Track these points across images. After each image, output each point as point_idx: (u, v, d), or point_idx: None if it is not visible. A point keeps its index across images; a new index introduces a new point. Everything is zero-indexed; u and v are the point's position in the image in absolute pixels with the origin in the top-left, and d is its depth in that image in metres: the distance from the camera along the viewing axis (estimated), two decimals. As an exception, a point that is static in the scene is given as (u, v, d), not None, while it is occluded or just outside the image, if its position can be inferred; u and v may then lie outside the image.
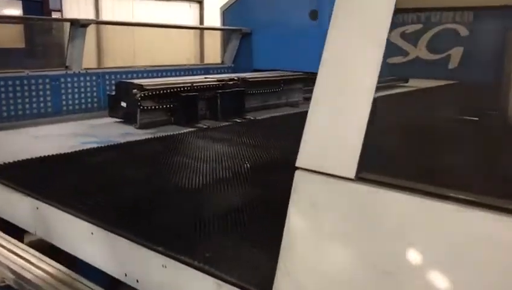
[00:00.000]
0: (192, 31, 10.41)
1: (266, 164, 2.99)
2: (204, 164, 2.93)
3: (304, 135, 1.28)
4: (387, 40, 1.20)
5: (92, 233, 2.08)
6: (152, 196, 2.33)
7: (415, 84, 7.78)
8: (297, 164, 1.29)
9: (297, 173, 1.29)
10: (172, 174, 2.70)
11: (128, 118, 4.14)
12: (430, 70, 4.68)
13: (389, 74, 5.18)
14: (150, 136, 3.75)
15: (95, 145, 3.33)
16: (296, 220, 1.29)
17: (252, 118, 4.62)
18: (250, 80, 4.88)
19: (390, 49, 5.01)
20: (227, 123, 4.35)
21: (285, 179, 2.60)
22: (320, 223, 1.26)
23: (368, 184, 1.17)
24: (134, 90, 4.00)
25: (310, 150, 1.27)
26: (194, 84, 4.33)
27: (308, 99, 5.95)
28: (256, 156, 3.13)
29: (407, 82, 8.09)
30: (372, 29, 1.22)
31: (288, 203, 2.06)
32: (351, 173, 1.19)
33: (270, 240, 1.82)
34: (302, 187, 1.28)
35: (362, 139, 1.18)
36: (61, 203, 2.24)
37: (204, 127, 4.13)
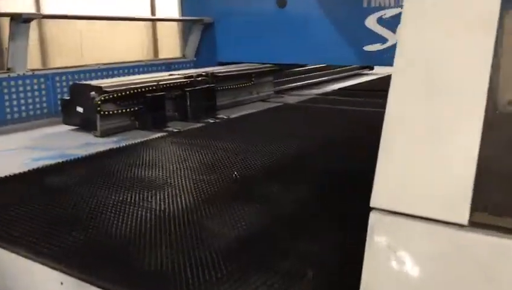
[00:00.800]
0: (142, 23, 9.75)
1: (256, 173, 2.60)
2: (185, 179, 2.51)
3: (379, 163, 0.91)
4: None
5: (62, 283, 1.64)
6: (134, 228, 1.89)
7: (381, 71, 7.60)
8: (372, 204, 0.91)
9: (373, 216, 0.92)
10: (152, 195, 2.26)
11: (86, 125, 3.62)
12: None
13: (366, 63, 4.89)
14: (114, 145, 3.26)
15: (52, 161, 2.82)
16: (375, 279, 0.92)
17: (225, 117, 4.21)
18: (221, 74, 4.46)
19: (368, 36, 4.73)
20: (199, 125, 3.92)
21: (283, 191, 2.22)
22: (412, 285, 0.90)
23: (489, 233, 0.81)
24: (92, 93, 3.48)
25: (392, 185, 0.90)
26: (160, 83, 3.86)
27: (279, 93, 5.61)
28: (242, 164, 2.73)
29: (372, 70, 7.93)
30: (476, 8, 0.86)
31: (301, 228, 1.67)
32: (462, 216, 0.82)
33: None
34: (383, 236, 0.90)
35: (475, 168, 0.82)
36: (17, 245, 1.77)
37: (175, 130, 3.68)
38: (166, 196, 2.24)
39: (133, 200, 2.19)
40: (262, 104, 4.94)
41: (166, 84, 3.93)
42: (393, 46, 4.40)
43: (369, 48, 4.59)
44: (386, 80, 4.82)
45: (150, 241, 1.77)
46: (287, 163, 2.78)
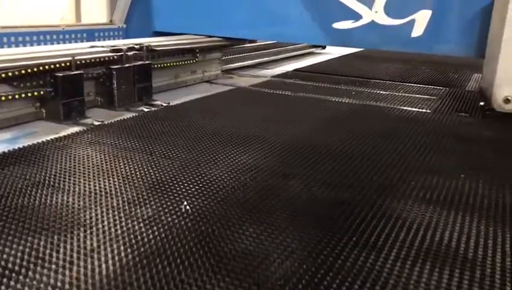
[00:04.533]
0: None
1: (219, 204, 1.80)
2: (108, 212, 1.66)
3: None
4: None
5: None
6: None
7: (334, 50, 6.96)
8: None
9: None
10: (47, 255, 1.39)
11: (-32, 112, 2.61)
12: (388, 39, 3.74)
13: (334, 43, 4.15)
14: (6, 146, 2.31)
15: None
16: None
17: (163, 104, 3.31)
18: (158, 48, 3.53)
19: (338, 11, 3.98)
20: (129, 114, 3.01)
21: (269, 243, 1.46)
22: None
23: None
24: (-25, 70, 2.47)
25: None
26: (77, 58, 2.89)
27: (228, 72, 4.76)
28: (196, 186, 1.92)
29: (324, 48, 7.27)
30: None
31: None
32: None
33: None
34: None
35: None
36: None
37: (96, 123, 2.76)
38: (73, 256, 1.38)
39: (7, 271, 1.31)
40: (209, 87, 4.08)
41: (85, 59, 2.96)
42: (368, 25, 3.70)
43: (338, 25, 3.85)
44: (342, 62, 4.14)
45: None
46: (261, 185, 1.99)
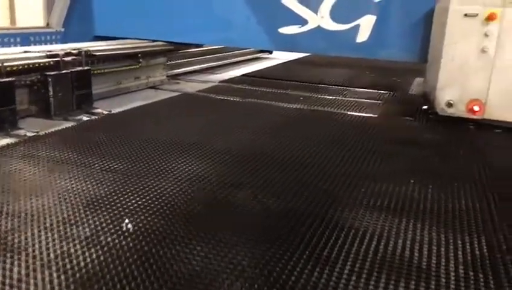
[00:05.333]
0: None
1: (159, 216, 1.68)
2: (40, 231, 1.51)
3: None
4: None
5: None
6: None
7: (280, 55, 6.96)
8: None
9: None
10: (-29, 283, 1.23)
11: None
12: (334, 44, 3.75)
13: (280, 47, 4.12)
14: None
15: None
16: None
17: (104, 111, 3.14)
18: (98, 53, 3.35)
19: (284, 16, 3.95)
20: (67, 124, 2.82)
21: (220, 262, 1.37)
22: None
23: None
24: None
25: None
26: (6, 64, 2.67)
27: (174, 77, 4.61)
28: (140, 201, 1.79)
29: (271, 53, 7.26)
30: None
31: None
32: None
33: None
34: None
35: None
36: None
37: (30, 134, 2.56)
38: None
39: None
40: (154, 93, 3.93)
41: (17, 65, 2.75)
42: (314, 30, 3.69)
43: (284, 30, 3.82)
44: (289, 67, 4.08)
45: None
46: (209, 197, 1.89)
